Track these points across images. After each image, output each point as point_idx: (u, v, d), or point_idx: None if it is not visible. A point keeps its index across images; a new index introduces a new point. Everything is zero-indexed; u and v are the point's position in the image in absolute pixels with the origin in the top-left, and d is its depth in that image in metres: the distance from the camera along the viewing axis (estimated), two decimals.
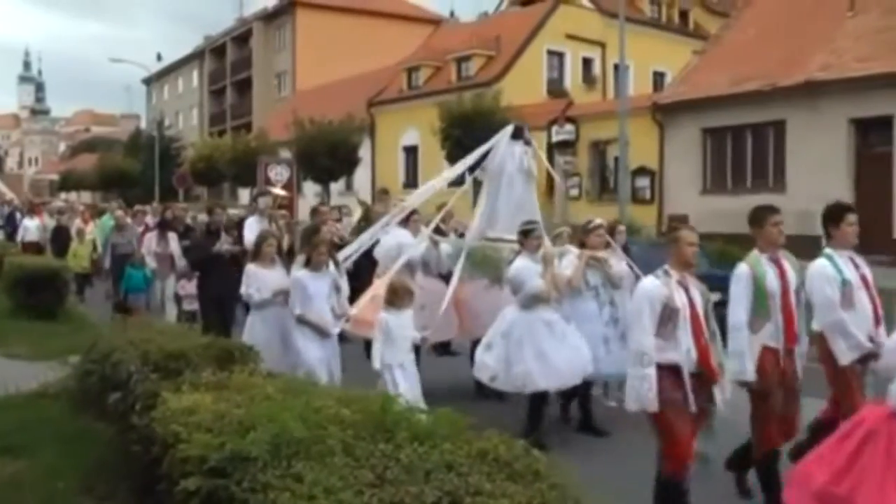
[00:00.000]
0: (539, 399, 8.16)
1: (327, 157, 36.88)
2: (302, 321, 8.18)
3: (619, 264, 9.02)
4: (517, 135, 10.28)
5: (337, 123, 37.83)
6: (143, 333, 6.49)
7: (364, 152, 40.64)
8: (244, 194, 49.69)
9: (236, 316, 11.46)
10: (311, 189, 41.48)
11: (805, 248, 7.66)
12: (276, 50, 66.37)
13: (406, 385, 7.63)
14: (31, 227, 22.33)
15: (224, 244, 11.51)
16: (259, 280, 8.85)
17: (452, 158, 32.94)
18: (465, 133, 30.76)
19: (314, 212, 13.79)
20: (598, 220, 9.11)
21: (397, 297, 8.01)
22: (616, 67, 31.68)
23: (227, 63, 72.65)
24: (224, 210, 13.31)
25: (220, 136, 60.40)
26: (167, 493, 3.97)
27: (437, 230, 10.86)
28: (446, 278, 10.13)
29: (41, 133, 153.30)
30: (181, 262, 14.43)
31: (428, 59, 44.05)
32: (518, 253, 8.52)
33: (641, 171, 29.66)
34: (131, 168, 62.99)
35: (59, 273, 15.13)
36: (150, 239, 15.08)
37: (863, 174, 23.61)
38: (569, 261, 8.78)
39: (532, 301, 8.14)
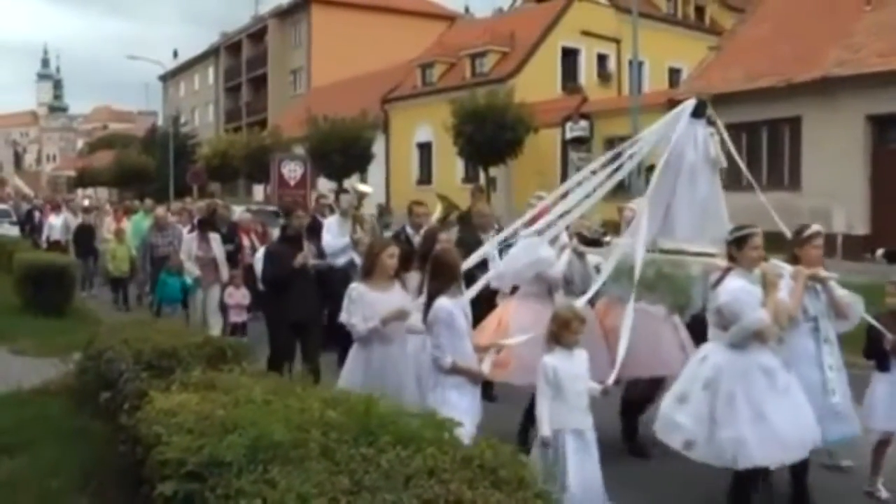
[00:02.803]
0: (750, 478, 6.05)
1: (341, 153, 36.90)
2: (455, 371, 5.99)
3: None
4: (699, 112, 7.76)
5: (350, 120, 37.80)
6: (139, 332, 6.41)
7: (378, 149, 40.60)
8: (258, 191, 49.81)
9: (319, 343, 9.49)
10: (325, 186, 41.51)
11: None
12: (291, 47, 66.42)
13: (580, 462, 5.70)
14: (57, 226, 21.82)
15: (308, 256, 9.26)
16: (369, 306, 6.64)
17: (465, 155, 32.95)
18: (478, 129, 30.71)
19: (409, 211, 10.89)
20: (816, 227, 6.68)
21: (569, 331, 5.96)
22: (631, 63, 31.48)
23: (242, 60, 72.88)
24: (306, 212, 10.69)
25: (236, 132, 60.57)
26: (149, 496, 3.89)
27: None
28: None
29: (59, 130, 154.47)
30: (225, 269, 12.83)
31: (442, 56, 43.93)
32: (727, 270, 6.21)
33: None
34: (147, 164, 63.28)
35: (68, 269, 15.09)
36: (191, 241, 12.97)
37: (879, 171, 23.34)
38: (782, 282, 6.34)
39: (749, 339, 5.96)
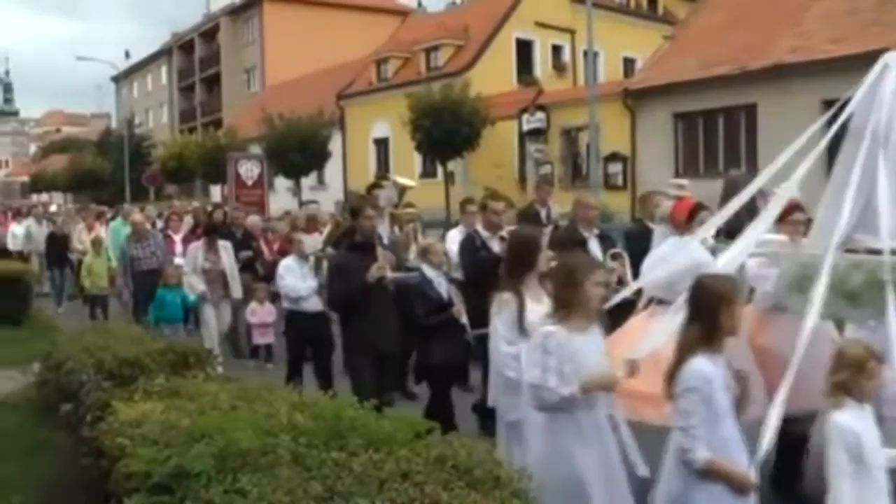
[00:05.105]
0: None
1: (298, 152, 36.66)
2: (713, 474, 4.12)
3: None
4: None
5: (306, 118, 37.58)
6: (100, 339, 6.29)
7: (335, 146, 40.39)
8: (215, 191, 49.39)
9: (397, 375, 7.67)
10: (282, 184, 41.24)
11: None
12: (244, 45, 65.86)
13: None
14: (19, 235, 20.90)
15: (386, 268, 7.40)
16: (568, 359, 4.55)
17: (423, 150, 32.85)
18: (435, 124, 30.64)
19: (482, 207, 8.88)
20: None
21: (864, 377, 4.19)
22: (586, 54, 31.56)
23: (195, 59, 72.13)
24: (378, 211, 8.56)
25: (191, 133, 60.02)
26: None
27: None
28: None
29: (10, 134, 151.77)
30: (237, 283, 11.37)
31: (397, 51, 43.80)
32: None
33: (613, 157, 29.58)
34: (102, 168, 62.56)
35: (23, 277, 14.83)
36: (195, 251, 11.36)
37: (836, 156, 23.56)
38: None
39: None
